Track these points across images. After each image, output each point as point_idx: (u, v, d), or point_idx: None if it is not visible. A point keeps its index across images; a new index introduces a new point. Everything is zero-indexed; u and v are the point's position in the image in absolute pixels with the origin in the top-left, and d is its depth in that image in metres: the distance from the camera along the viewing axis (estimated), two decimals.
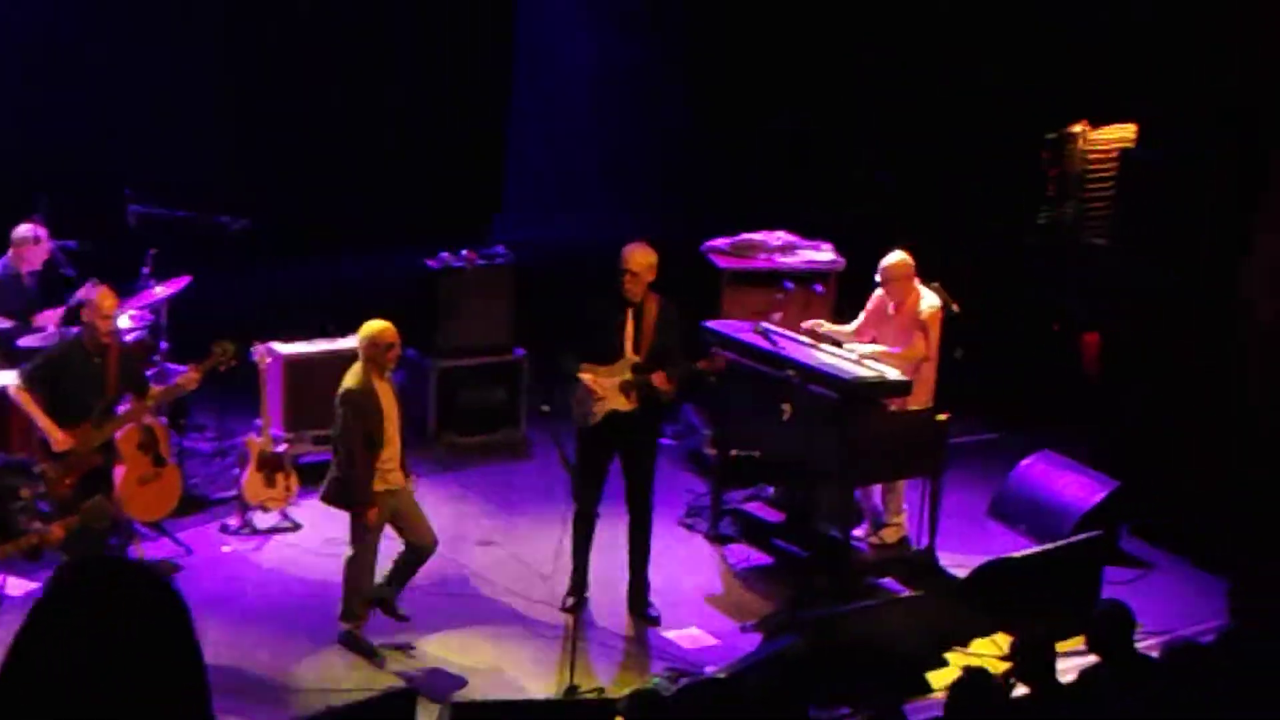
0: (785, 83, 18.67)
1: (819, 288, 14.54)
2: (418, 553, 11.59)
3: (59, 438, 11.32)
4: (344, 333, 14.15)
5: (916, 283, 13.01)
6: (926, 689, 10.85)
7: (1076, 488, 13.39)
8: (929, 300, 13.00)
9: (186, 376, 11.91)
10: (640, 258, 11.91)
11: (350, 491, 11.34)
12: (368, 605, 11.56)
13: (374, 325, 11.34)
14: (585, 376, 11.85)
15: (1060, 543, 12.62)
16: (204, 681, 3.60)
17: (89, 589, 3.51)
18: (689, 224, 16.52)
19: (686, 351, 12.33)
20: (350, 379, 11.35)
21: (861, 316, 13.35)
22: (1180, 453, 13.69)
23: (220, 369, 12.17)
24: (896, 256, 13.01)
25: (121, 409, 11.75)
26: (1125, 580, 12.68)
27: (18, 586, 11.42)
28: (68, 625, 3.45)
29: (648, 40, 19.63)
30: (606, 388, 11.88)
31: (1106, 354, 14.94)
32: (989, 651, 11.33)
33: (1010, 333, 16.41)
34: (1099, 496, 13.22)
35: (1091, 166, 16.93)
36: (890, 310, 13.06)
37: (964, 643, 11.74)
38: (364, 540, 11.44)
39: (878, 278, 13.15)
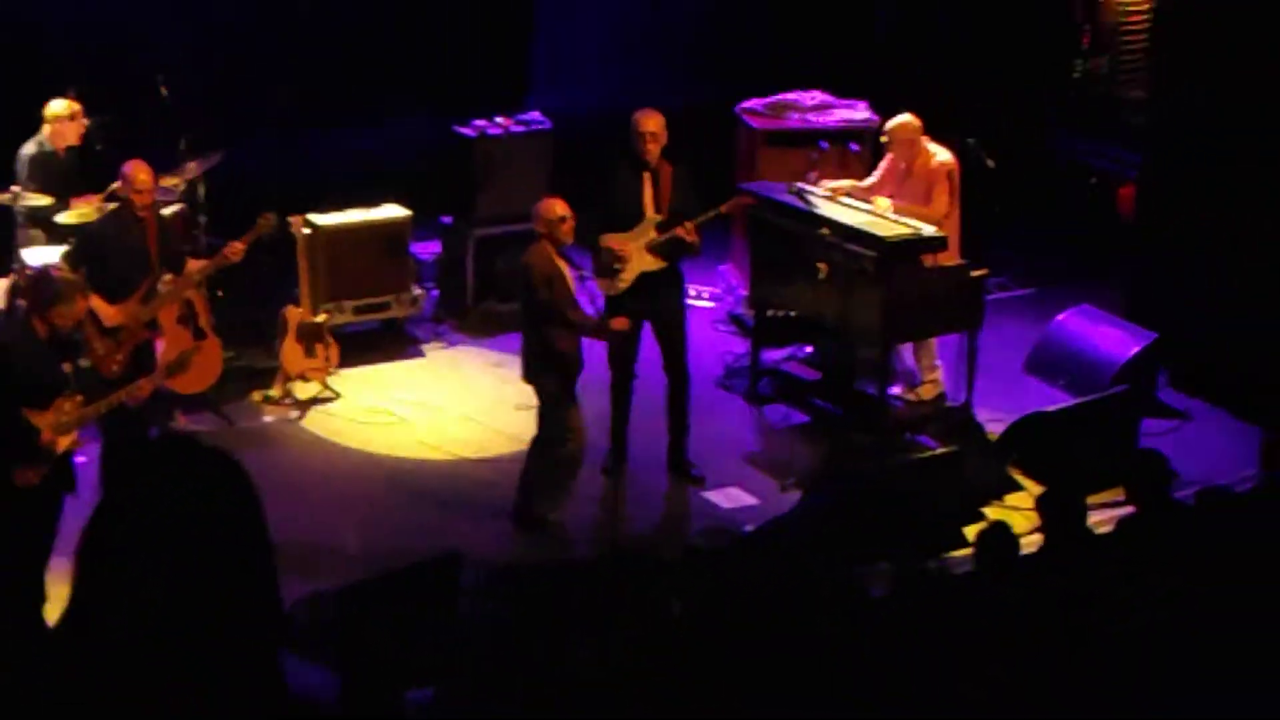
0: None
1: (854, 146, 14.53)
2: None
3: (110, 313, 11.28)
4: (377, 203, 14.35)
5: (925, 141, 13.02)
6: (963, 543, 10.91)
7: (1114, 340, 13.36)
8: (941, 155, 13.00)
9: (231, 249, 11.86)
10: (656, 121, 11.94)
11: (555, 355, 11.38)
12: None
13: (544, 202, 11.37)
14: (610, 239, 11.89)
15: (1097, 395, 12.65)
16: (273, 558, 3.62)
17: (163, 466, 3.52)
18: (721, 87, 16.44)
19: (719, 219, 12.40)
20: (529, 256, 11.35)
21: (876, 175, 13.36)
22: (1218, 303, 13.63)
23: (263, 241, 12.20)
24: (902, 118, 13.05)
25: (162, 284, 11.79)
26: (1162, 431, 12.72)
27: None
28: (143, 503, 3.46)
29: None
30: (632, 250, 11.92)
31: (1142, 206, 14.87)
32: (1025, 505, 11.38)
33: (1045, 187, 16.35)
34: (1137, 348, 13.20)
35: (1126, 18, 16.83)
36: (903, 170, 13.07)
37: (999, 497, 11.84)
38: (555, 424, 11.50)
39: (883, 139, 13.19)
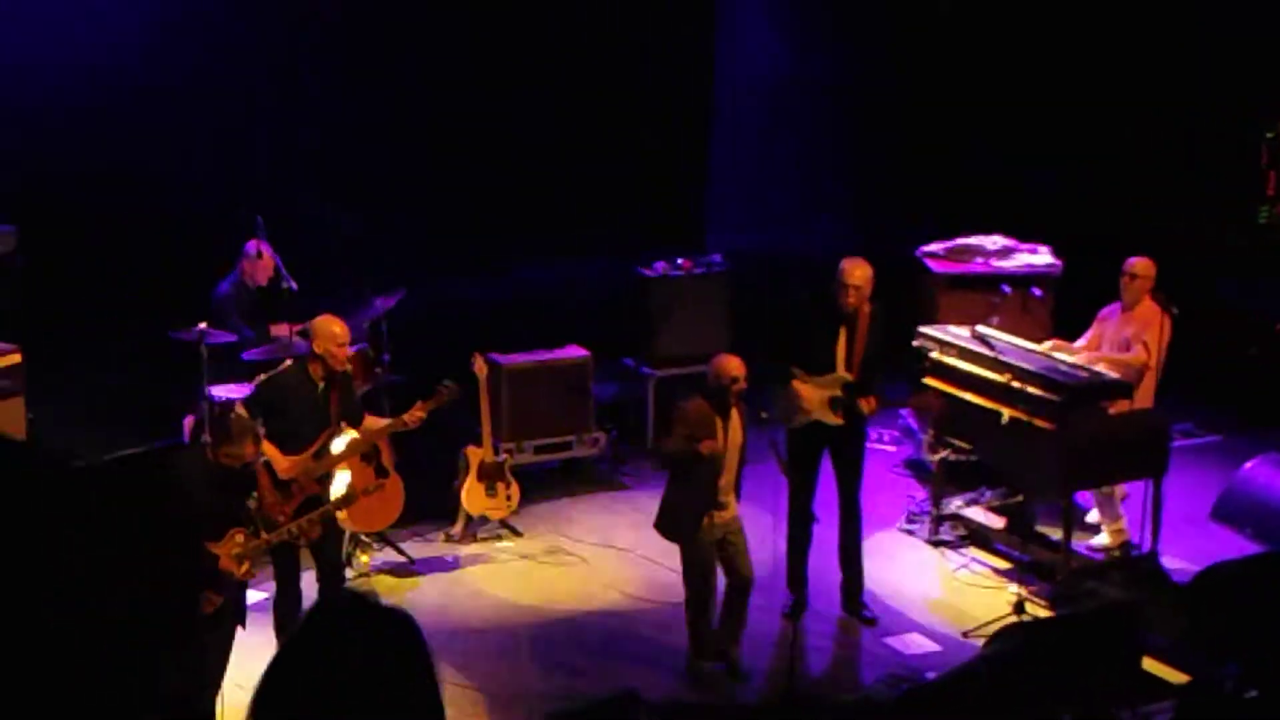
0: (991, 85, 18.52)
1: (1037, 291, 14.45)
2: (739, 588, 11.50)
3: (283, 465, 11.10)
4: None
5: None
6: (1152, 694, 10.70)
7: None
8: (1157, 311, 12.88)
9: (412, 415, 11.67)
10: (862, 272, 11.90)
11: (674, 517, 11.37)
12: (712, 654, 11.50)
13: (721, 357, 11.27)
14: (797, 385, 11.90)
15: None
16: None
17: (340, 628, 3.58)
18: (903, 229, 16.46)
19: (901, 359, 12.32)
20: (685, 402, 11.34)
21: (1090, 331, 13.23)
22: None
23: (444, 407, 12.10)
24: (1142, 259, 12.95)
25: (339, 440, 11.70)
26: None
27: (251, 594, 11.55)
28: (318, 663, 3.52)
29: (849, 47, 19.56)
30: (815, 400, 11.90)
31: None
32: None
33: (1231, 334, 16.16)
34: None
35: None
36: (1121, 313, 12.95)
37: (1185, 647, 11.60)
38: (693, 576, 11.38)
39: (1123, 272, 13.02)
